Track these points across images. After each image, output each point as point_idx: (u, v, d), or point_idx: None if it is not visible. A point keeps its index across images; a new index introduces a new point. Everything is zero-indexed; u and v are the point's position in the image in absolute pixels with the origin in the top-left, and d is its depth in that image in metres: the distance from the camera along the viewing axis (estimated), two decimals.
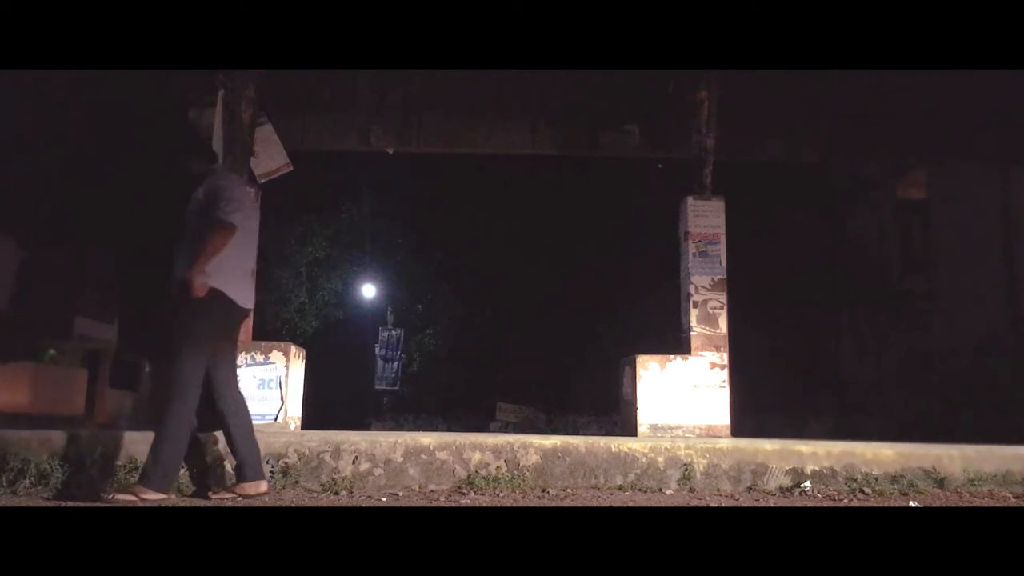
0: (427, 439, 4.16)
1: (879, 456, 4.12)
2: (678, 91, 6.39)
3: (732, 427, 5.67)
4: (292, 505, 3.39)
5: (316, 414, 6.93)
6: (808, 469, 4.09)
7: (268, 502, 3.47)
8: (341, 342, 16.54)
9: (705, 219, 5.96)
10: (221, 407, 3.47)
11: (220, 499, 3.45)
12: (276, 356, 5.34)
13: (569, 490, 3.91)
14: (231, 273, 3.48)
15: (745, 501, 3.70)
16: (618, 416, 6.60)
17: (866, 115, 7.05)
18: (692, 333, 5.79)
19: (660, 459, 4.11)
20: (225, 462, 3.81)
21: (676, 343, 6.00)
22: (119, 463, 3.83)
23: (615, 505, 3.44)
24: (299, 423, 5.63)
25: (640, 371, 5.67)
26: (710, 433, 5.53)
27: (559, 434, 6.19)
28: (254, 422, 5.14)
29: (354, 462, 4.03)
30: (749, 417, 7.98)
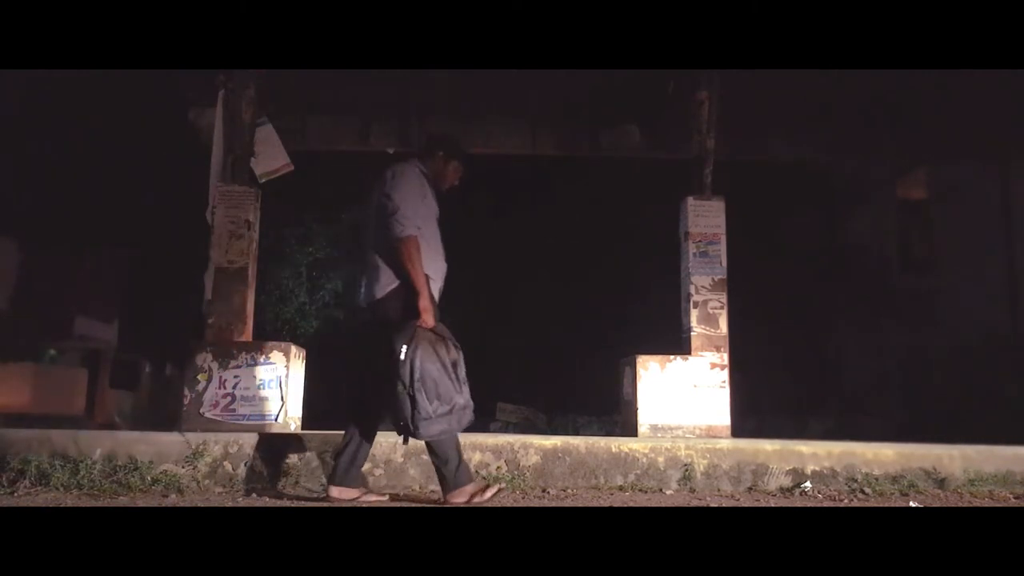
0: None
1: (879, 456, 4.11)
2: (678, 91, 6.38)
3: (732, 427, 5.66)
4: (292, 505, 3.39)
5: (316, 414, 6.92)
6: (808, 469, 4.09)
7: (269, 502, 3.48)
8: (341, 342, 16.52)
9: (705, 219, 5.95)
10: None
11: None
12: (276, 356, 5.34)
13: (569, 490, 3.91)
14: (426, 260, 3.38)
15: (745, 501, 3.70)
16: (618, 416, 6.59)
17: (867, 115, 7.04)
18: (692, 333, 5.79)
19: (660, 459, 4.11)
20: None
21: (676, 343, 6.00)
22: (119, 463, 3.83)
23: (615, 505, 3.44)
24: (299, 423, 5.63)
25: (640, 371, 5.67)
26: (710, 433, 5.53)
27: (559, 434, 6.19)
28: (255, 422, 5.18)
29: None
30: (749, 417, 7.97)
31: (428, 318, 3.24)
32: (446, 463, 3.30)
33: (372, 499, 3.45)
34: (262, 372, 5.29)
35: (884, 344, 11.59)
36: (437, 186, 3.58)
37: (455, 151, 3.67)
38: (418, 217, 3.35)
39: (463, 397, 3.24)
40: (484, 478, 3.84)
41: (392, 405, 3.17)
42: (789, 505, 3.59)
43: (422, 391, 3.12)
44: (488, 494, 3.32)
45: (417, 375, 3.13)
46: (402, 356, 3.14)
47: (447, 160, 3.62)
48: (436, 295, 3.43)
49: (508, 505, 3.44)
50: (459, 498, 3.28)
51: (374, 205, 3.47)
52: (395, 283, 3.35)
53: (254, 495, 3.71)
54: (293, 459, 4.01)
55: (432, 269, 3.41)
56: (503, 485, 3.68)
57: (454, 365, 3.24)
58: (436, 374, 3.16)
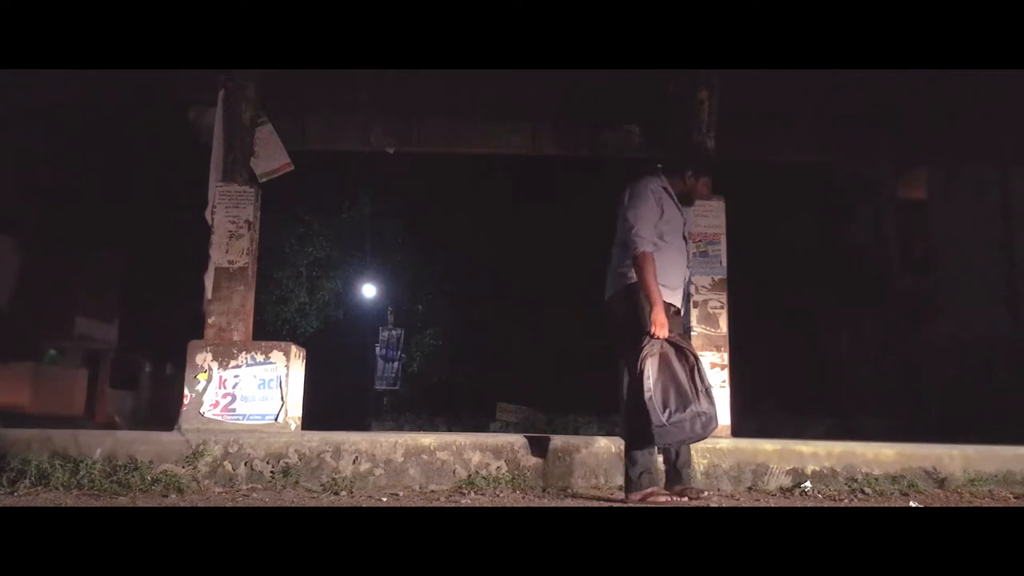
0: (427, 439, 4.16)
1: (880, 456, 4.11)
2: (678, 91, 6.38)
3: (732, 427, 5.65)
4: (292, 505, 3.39)
5: (316, 414, 6.92)
6: (808, 469, 4.08)
7: (268, 502, 3.48)
8: (341, 342, 16.53)
9: (705, 219, 5.94)
10: None
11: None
12: (276, 356, 5.33)
13: (569, 490, 3.91)
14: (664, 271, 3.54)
15: (745, 501, 3.70)
16: (618, 416, 6.59)
17: (867, 115, 7.04)
18: (692, 333, 5.79)
19: (661, 459, 4.10)
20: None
21: None
22: (119, 463, 3.83)
23: (615, 505, 3.44)
24: (299, 423, 5.63)
25: None
26: None
27: (560, 434, 6.18)
28: (255, 422, 5.17)
29: (354, 462, 4.03)
30: (749, 417, 7.98)
31: (659, 331, 3.37)
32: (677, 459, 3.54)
33: (662, 499, 3.46)
34: (262, 372, 5.28)
35: (884, 344, 11.59)
36: (686, 201, 3.81)
37: (703, 168, 3.88)
38: (653, 234, 3.53)
39: (700, 405, 3.28)
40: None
41: (626, 415, 3.35)
42: (789, 505, 3.59)
43: (652, 400, 3.23)
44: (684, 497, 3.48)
45: (649, 385, 3.25)
46: (636, 367, 3.28)
47: (696, 177, 3.83)
48: (677, 302, 3.65)
49: (508, 505, 3.44)
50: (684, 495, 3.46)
51: (619, 215, 3.71)
52: (622, 286, 3.57)
53: (254, 495, 3.71)
54: (293, 459, 4.01)
55: (672, 277, 3.59)
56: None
57: (691, 372, 3.33)
58: (667, 383, 3.28)
